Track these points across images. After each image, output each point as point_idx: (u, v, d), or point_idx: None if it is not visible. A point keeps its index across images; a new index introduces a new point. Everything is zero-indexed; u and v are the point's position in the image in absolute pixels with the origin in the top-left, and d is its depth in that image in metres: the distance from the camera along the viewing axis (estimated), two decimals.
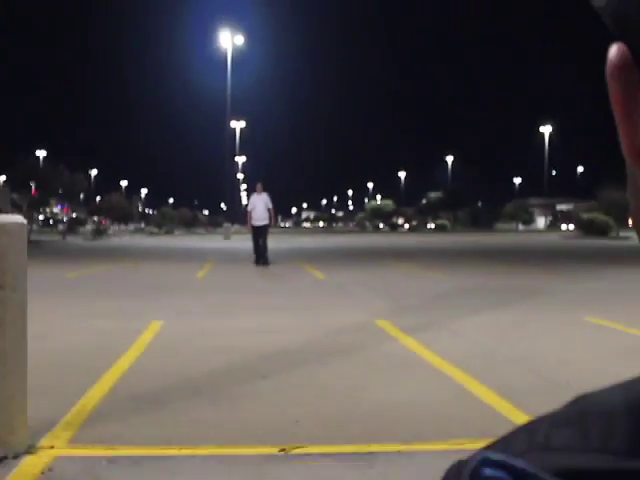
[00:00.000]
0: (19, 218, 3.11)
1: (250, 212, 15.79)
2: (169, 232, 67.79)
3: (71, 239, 38.65)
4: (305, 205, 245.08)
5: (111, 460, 2.95)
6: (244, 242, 25.21)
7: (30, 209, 43.49)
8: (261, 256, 15.58)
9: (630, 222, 0.38)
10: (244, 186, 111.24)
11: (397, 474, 2.81)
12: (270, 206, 15.78)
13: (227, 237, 38.49)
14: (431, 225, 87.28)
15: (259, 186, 15.98)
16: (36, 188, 45.07)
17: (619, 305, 8.31)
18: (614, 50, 0.32)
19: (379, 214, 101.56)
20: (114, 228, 69.40)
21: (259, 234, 15.70)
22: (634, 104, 0.32)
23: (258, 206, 15.64)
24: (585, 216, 47.53)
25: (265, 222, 15.71)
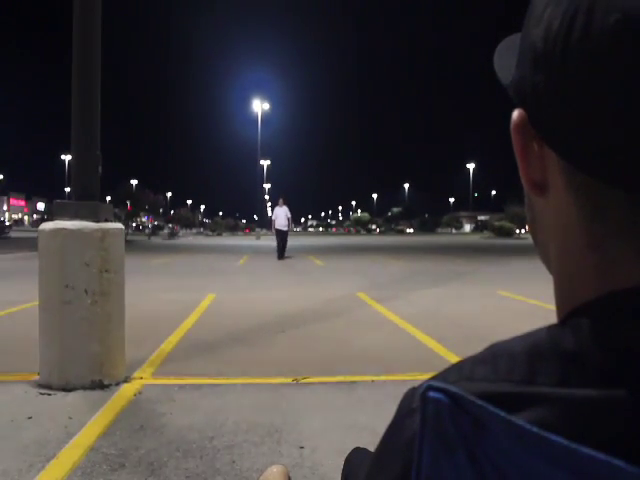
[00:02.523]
0: (119, 225, 3.12)
1: (274, 220, 14.22)
2: (219, 234, 67.76)
3: (154, 239, 38.62)
4: (310, 216, 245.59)
5: (181, 387, 2.95)
6: (270, 241, 25.17)
7: (126, 219, 43.52)
8: (281, 252, 14.36)
9: (527, 228, 0.38)
10: (269, 204, 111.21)
11: (371, 396, 2.81)
12: (289, 216, 14.22)
13: (258, 238, 38.51)
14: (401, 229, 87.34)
15: (281, 200, 14.23)
16: (130, 205, 45.12)
17: (520, 283, 8.30)
18: (516, 113, 0.32)
19: (359, 222, 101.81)
20: (183, 232, 69.34)
21: (281, 237, 14.30)
22: (529, 149, 0.32)
23: (280, 215, 14.08)
24: (496, 223, 47.61)
25: (285, 228, 14.20)
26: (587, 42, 0.25)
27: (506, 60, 0.36)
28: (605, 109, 0.25)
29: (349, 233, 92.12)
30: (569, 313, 0.30)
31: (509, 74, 0.34)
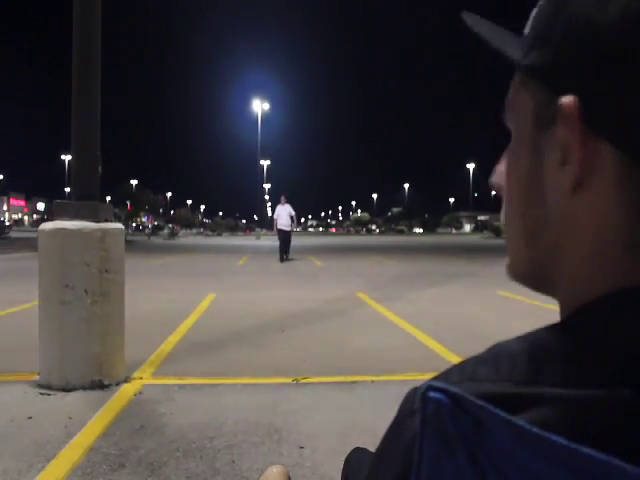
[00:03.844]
0: (119, 225, 3.12)
1: (275, 219, 13.11)
2: (219, 234, 67.75)
3: (154, 239, 38.61)
4: (310, 216, 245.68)
5: (180, 387, 2.95)
6: (270, 241, 25.14)
7: (126, 219, 43.56)
8: (283, 254, 13.30)
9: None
10: (269, 204, 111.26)
11: (370, 396, 2.81)
12: (293, 214, 13.14)
13: (258, 238, 38.55)
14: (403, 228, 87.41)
15: (283, 198, 13.10)
16: (130, 205, 45.15)
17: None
18: (568, 100, 0.29)
19: (359, 222, 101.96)
20: (183, 232, 69.29)
21: (284, 238, 13.18)
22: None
23: (282, 214, 12.99)
24: (496, 223, 47.62)
25: (288, 228, 13.08)
26: None
27: (497, 29, 0.35)
28: None
29: (348, 233, 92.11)
30: (572, 313, 0.30)
31: (512, 48, 0.33)
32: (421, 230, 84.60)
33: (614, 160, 0.28)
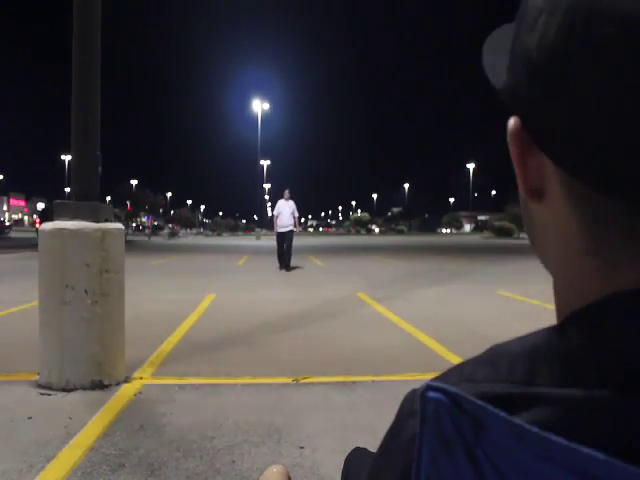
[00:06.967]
0: (119, 225, 3.11)
1: (276, 217, 10.88)
2: (219, 234, 67.80)
3: (154, 239, 38.60)
4: (310, 216, 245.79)
5: (181, 387, 2.95)
6: (270, 241, 25.11)
7: (126, 219, 43.60)
8: (284, 261, 10.96)
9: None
10: (269, 204, 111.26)
11: (371, 396, 2.81)
12: (296, 214, 11.01)
13: (258, 238, 38.55)
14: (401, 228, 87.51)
15: (286, 193, 10.95)
16: (130, 205, 45.18)
17: (519, 283, 8.30)
18: (512, 121, 0.31)
19: (359, 222, 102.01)
20: (183, 232, 69.26)
21: (284, 239, 10.92)
22: (526, 157, 0.31)
23: (284, 212, 10.81)
24: (496, 224, 47.69)
25: (290, 228, 10.86)
26: (587, 53, 0.25)
27: (496, 58, 0.35)
28: (605, 120, 0.25)
29: (348, 233, 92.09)
30: (570, 315, 0.30)
31: (500, 74, 0.33)
32: (448, 231, 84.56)
33: (559, 175, 0.29)
